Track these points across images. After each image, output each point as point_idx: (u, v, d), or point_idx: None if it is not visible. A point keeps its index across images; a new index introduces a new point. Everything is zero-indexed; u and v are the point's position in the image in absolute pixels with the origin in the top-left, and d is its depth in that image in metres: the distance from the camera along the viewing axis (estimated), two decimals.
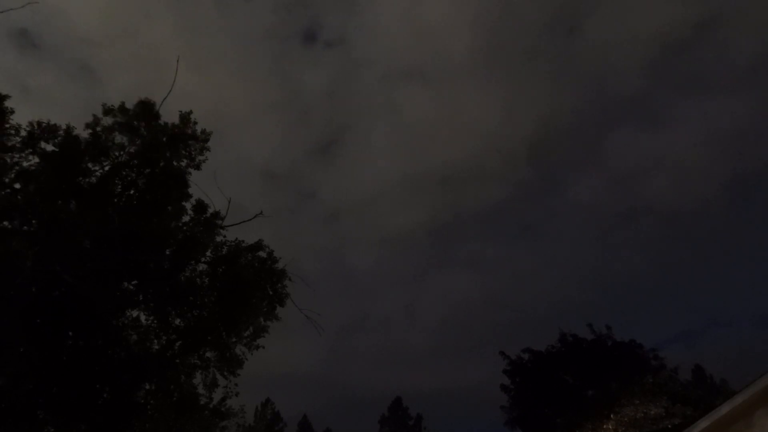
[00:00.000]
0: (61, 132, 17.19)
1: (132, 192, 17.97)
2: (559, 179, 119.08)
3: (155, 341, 17.76)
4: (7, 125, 16.32)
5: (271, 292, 18.49)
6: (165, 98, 18.52)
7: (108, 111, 18.01)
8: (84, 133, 17.56)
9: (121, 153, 18.05)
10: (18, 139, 16.57)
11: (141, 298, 17.47)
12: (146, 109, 18.32)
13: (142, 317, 17.56)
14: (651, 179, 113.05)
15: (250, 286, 17.90)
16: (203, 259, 18.41)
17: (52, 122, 17.18)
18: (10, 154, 16.40)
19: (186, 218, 18.54)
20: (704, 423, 12.64)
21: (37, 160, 16.75)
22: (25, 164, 16.66)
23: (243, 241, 18.69)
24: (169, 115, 18.86)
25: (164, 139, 18.44)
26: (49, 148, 17.01)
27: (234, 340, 18.13)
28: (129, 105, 18.29)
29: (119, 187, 17.97)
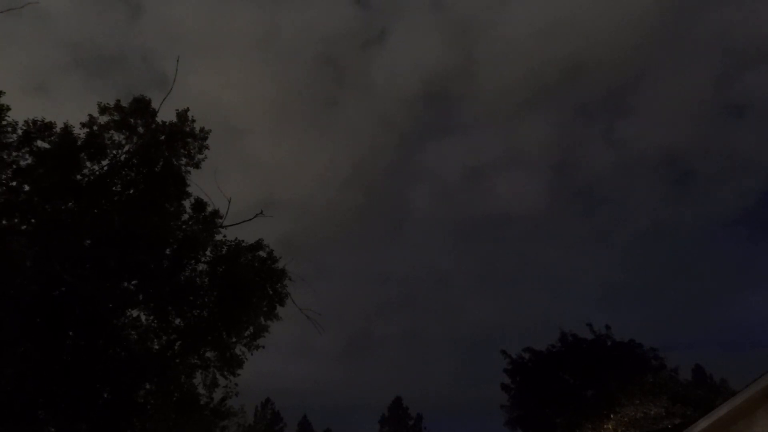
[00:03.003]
0: (57, 130, 17.13)
1: (131, 191, 17.91)
2: (395, 200, 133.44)
3: (155, 341, 17.75)
4: (4, 122, 16.12)
5: (271, 292, 18.47)
6: (165, 99, 18.56)
7: (104, 110, 18.00)
8: (81, 133, 17.52)
9: (120, 152, 18.03)
10: (14, 136, 16.40)
11: (141, 298, 17.46)
12: (142, 106, 18.33)
13: (143, 317, 17.56)
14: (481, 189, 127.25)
15: (250, 286, 17.87)
16: (203, 259, 18.39)
17: (48, 120, 17.12)
18: (6, 151, 16.23)
19: (185, 217, 18.54)
20: (704, 423, 12.67)
21: (33, 158, 16.68)
22: (22, 163, 16.53)
23: (243, 241, 18.68)
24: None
25: (162, 137, 18.44)
26: (46, 146, 16.92)
27: (234, 340, 18.11)
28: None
29: (118, 186, 17.93)
